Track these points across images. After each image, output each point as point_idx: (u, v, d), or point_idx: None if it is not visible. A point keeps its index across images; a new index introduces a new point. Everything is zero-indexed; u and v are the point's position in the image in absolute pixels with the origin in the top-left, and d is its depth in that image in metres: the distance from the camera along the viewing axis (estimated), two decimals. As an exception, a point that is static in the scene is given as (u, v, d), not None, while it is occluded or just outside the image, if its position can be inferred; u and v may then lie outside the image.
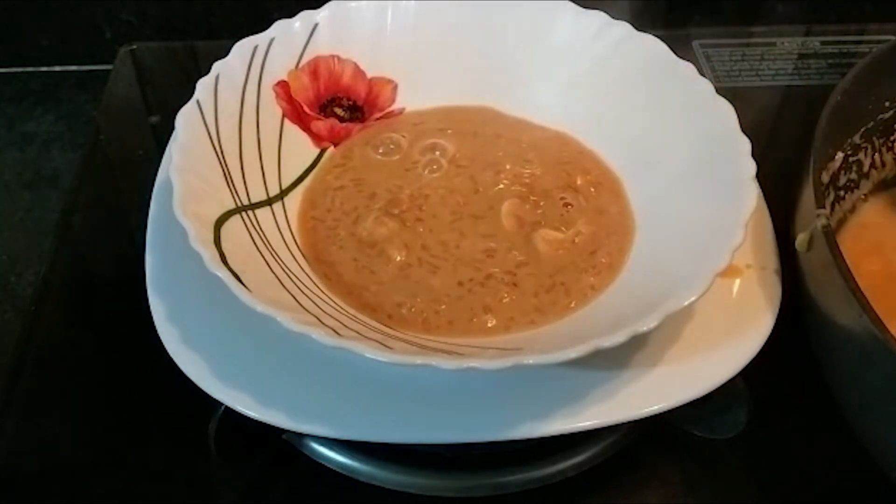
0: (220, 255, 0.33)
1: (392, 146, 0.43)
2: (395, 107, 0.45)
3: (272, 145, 0.41)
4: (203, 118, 0.38)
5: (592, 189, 0.41)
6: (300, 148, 0.42)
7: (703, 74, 0.40)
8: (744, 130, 0.37)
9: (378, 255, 0.38)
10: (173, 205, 0.34)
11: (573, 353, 0.30)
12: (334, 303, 0.36)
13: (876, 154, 0.43)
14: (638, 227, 0.39)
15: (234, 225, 0.36)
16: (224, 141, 0.38)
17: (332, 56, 0.43)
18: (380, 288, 0.37)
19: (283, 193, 0.40)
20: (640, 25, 0.42)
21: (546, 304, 0.36)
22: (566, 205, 0.40)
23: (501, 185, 0.41)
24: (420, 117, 0.44)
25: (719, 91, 0.39)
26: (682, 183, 0.39)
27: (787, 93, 0.57)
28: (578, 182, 0.41)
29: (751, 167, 0.36)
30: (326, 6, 0.43)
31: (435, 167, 0.42)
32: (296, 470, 0.37)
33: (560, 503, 0.37)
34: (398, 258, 0.38)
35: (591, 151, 0.42)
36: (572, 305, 0.36)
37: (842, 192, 0.42)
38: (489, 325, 0.36)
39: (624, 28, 0.42)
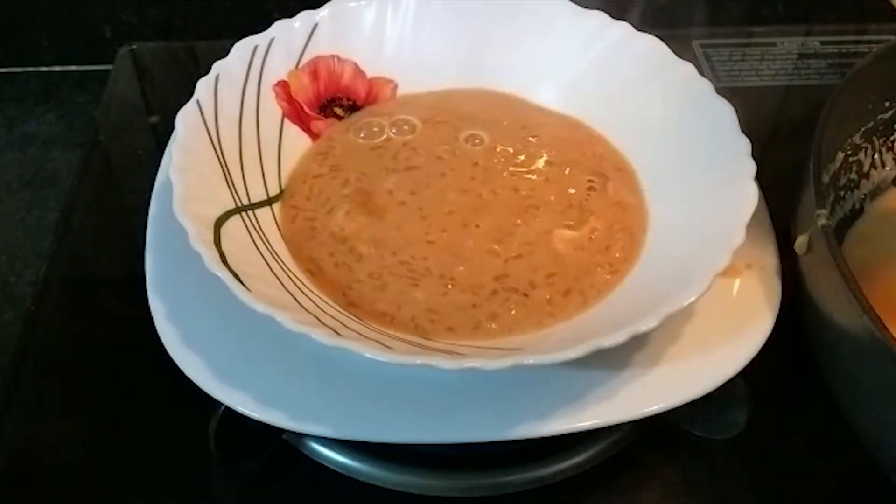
0: (220, 255, 0.33)
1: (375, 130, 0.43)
2: (395, 107, 0.44)
3: (272, 145, 0.41)
4: (203, 118, 0.38)
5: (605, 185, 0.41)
6: (300, 148, 0.42)
7: (703, 74, 0.40)
8: (744, 130, 0.37)
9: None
10: (173, 205, 0.34)
11: (573, 353, 0.30)
12: (333, 302, 0.36)
13: (876, 154, 0.43)
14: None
15: (234, 225, 0.36)
16: (224, 141, 0.38)
17: (332, 56, 0.43)
18: (360, 286, 0.36)
19: (283, 193, 0.40)
20: (640, 25, 0.42)
21: (558, 308, 0.36)
22: (590, 188, 0.40)
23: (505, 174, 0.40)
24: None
25: (719, 91, 0.39)
26: (681, 183, 0.39)
27: (787, 93, 0.57)
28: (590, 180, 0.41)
29: (751, 167, 0.36)
30: (326, 6, 0.43)
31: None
32: (296, 470, 0.37)
33: (560, 503, 0.37)
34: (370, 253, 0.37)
35: (591, 151, 0.42)
36: (586, 306, 0.36)
37: (842, 193, 0.42)
38: (492, 327, 0.35)
39: (624, 28, 0.42)
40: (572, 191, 0.40)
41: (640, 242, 0.38)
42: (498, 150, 0.41)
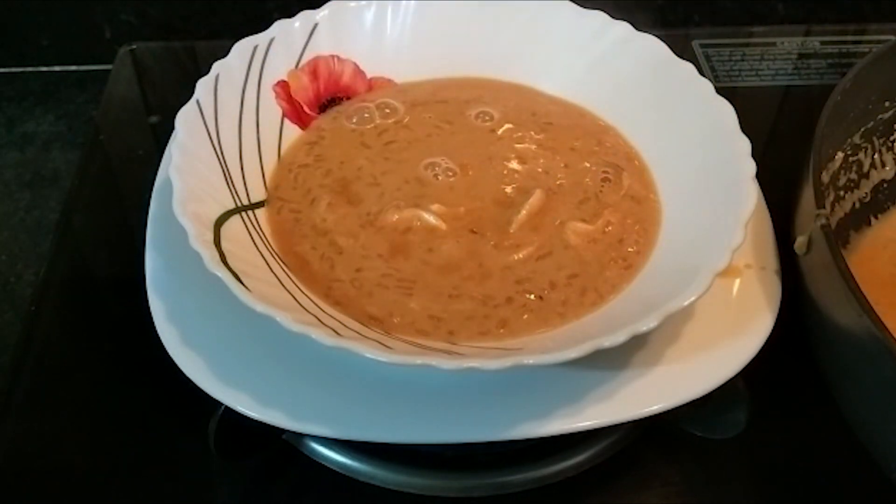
0: (220, 255, 0.33)
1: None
2: (395, 107, 0.44)
3: (272, 145, 0.41)
4: (203, 118, 0.38)
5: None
6: (300, 148, 0.42)
7: (703, 74, 0.40)
8: (744, 130, 0.37)
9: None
10: (173, 205, 0.34)
11: (573, 353, 0.30)
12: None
13: (876, 154, 0.43)
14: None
15: (234, 225, 0.36)
16: (224, 141, 0.38)
17: (332, 56, 0.43)
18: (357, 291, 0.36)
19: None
20: (640, 25, 0.42)
21: (571, 309, 0.35)
22: (605, 179, 0.40)
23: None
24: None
25: (719, 91, 0.39)
26: (681, 183, 0.39)
27: (787, 93, 0.57)
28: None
29: (751, 167, 0.36)
30: (326, 6, 0.43)
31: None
32: (296, 470, 0.37)
33: (560, 503, 0.37)
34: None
35: (601, 140, 0.42)
36: (602, 302, 0.36)
37: (842, 193, 0.42)
38: (501, 332, 0.35)
39: (624, 28, 0.42)
40: (588, 180, 0.40)
41: (653, 237, 0.38)
42: (518, 135, 0.42)
